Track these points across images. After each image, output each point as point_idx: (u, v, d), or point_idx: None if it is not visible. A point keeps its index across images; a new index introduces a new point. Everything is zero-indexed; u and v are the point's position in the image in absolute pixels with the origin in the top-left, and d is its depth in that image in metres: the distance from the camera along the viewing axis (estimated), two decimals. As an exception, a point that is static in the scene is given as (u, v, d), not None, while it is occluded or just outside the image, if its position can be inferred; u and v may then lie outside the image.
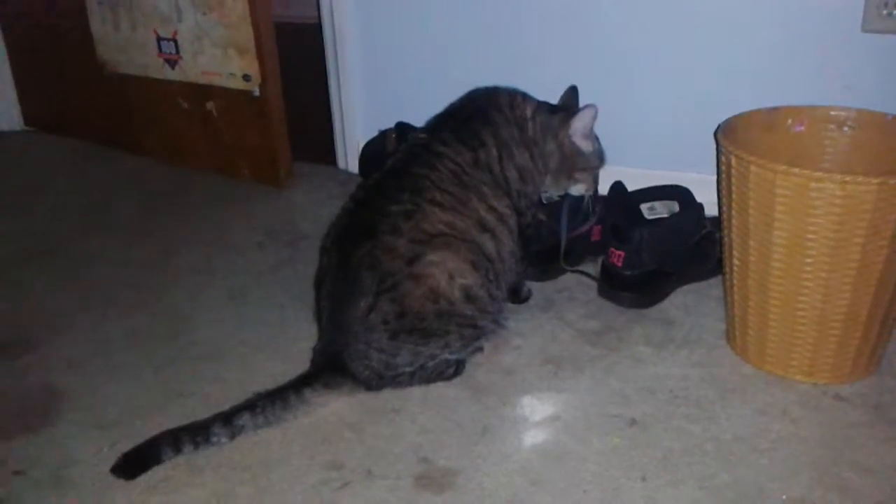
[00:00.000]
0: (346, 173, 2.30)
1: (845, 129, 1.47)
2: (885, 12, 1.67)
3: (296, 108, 2.26)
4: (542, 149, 1.53)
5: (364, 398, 1.35)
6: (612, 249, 1.59)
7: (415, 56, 2.14)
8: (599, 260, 1.67)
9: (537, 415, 1.33)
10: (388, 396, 1.36)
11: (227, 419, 1.25)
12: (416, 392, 1.37)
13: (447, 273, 1.32)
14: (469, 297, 1.35)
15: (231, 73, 2.20)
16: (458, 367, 1.40)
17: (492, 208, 1.43)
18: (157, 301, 1.70)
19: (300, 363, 1.39)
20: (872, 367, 1.38)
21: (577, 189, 1.60)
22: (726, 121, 1.42)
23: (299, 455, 1.23)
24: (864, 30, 1.70)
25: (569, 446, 1.24)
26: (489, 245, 1.40)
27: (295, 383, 1.32)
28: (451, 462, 1.21)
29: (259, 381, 1.34)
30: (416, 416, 1.31)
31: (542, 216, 1.65)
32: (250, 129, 2.25)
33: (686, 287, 1.66)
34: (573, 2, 1.92)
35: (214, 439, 1.23)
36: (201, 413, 1.28)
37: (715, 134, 1.40)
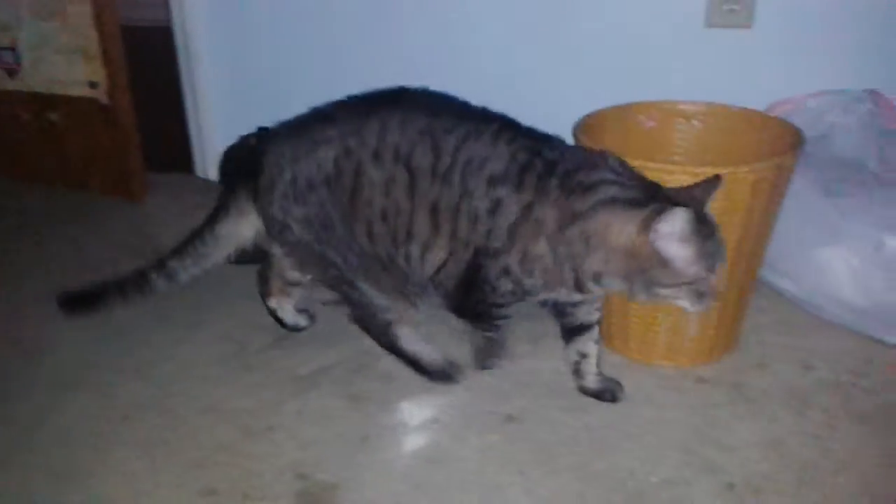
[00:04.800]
0: (205, 181, 2.22)
1: (694, 122, 1.54)
2: (726, 8, 1.77)
3: (148, 116, 2.16)
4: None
5: (238, 415, 1.30)
6: None
7: (273, 57, 2.09)
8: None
9: (417, 419, 1.33)
10: (264, 413, 1.32)
11: (161, 264, 1.40)
12: (293, 406, 1.34)
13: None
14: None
15: (76, 81, 2.08)
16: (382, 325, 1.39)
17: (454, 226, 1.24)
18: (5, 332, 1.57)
19: (164, 386, 1.33)
20: (731, 347, 1.46)
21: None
22: (582, 118, 1.46)
23: (168, 484, 1.18)
24: (708, 25, 1.79)
25: (449, 448, 1.24)
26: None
27: (207, 221, 1.41)
28: (331, 475, 1.19)
29: (120, 405, 1.27)
30: (294, 431, 1.28)
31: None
32: (99, 138, 2.13)
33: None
34: (428, 3, 1.93)
35: (155, 284, 1.40)
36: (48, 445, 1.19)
37: (573, 131, 1.44)
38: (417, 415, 1.33)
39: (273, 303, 1.54)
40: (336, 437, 1.27)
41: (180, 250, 1.41)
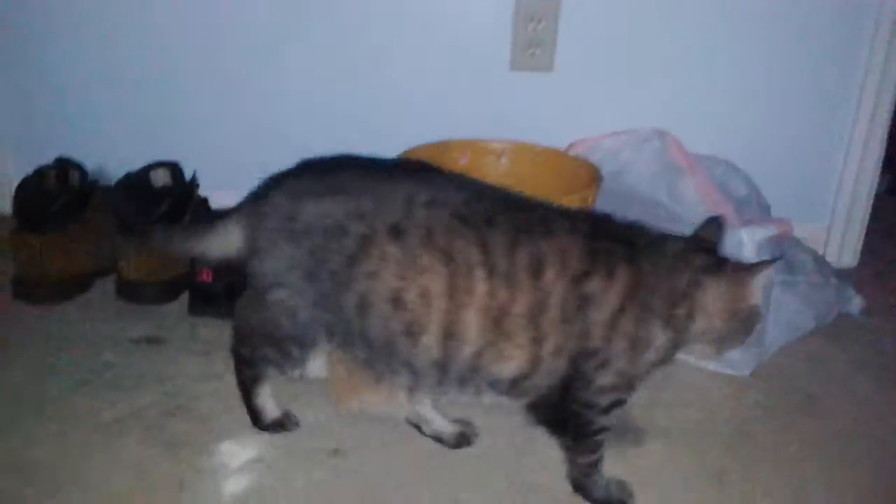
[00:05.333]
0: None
1: (502, 159, 1.63)
2: (528, 52, 1.89)
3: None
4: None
5: (35, 470, 1.20)
6: (199, 268, 1.62)
7: (70, 82, 1.97)
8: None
9: (238, 460, 1.28)
10: (68, 466, 1.22)
11: None
12: (100, 458, 1.25)
13: None
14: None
15: None
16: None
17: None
18: None
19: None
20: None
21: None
22: (399, 155, 1.50)
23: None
24: (513, 68, 1.91)
25: (274, 488, 1.21)
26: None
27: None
28: (145, 528, 1.12)
29: None
30: (99, 485, 1.19)
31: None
32: None
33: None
34: (255, 52, 1.91)
35: None
36: None
37: (391, 167, 1.47)
38: (239, 455, 1.29)
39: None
40: (148, 488, 1.20)
41: None
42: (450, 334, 1.10)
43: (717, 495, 1.25)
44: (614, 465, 1.25)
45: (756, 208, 1.73)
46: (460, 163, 1.60)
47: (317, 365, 1.29)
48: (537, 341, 1.09)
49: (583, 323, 1.07)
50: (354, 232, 1.11)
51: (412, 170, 1.22)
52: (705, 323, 1.11)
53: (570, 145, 1.85)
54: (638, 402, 1.41)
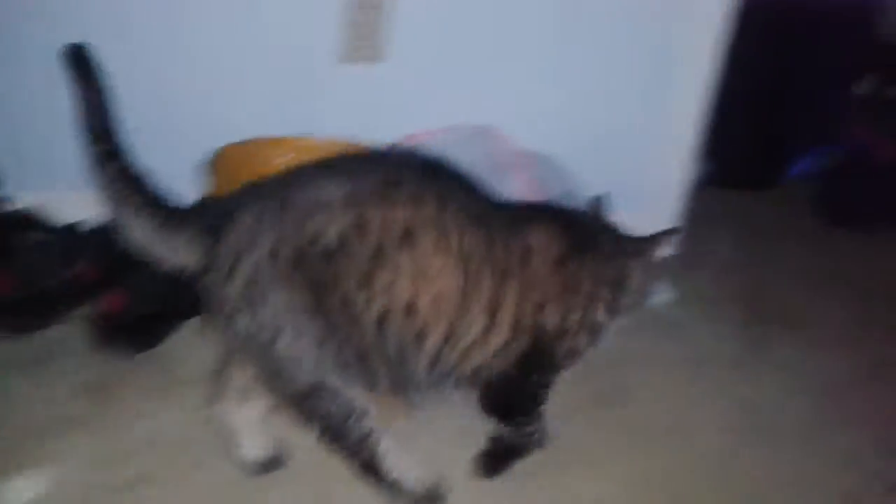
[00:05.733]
0: None
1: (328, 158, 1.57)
2: (357, 43, 1.82)
3: None
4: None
5: None
6: (108, 294, 1.48)
7: None
8: (94, 306, 1.52)
9: (22, 496, 1.17)
10: None
11: None
12: None
13: None
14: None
15: None
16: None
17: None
18: None
19: None
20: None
21: None
22: (214, 153, 1.41)
23: None
24: (342, 60, 1.84)
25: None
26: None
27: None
28: None
29: None
30: None
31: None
32: None
33: (195, 320, 1.60)
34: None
35: None
36: None
37: (207, 164, 1.38)
38: (24, 490, 1.18)
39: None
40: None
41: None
42: (453, 332, 1.12)
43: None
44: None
45: (575, 202, 1.75)
46: (281, 160, 1.53)
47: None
48: (515, 326, 1.15)
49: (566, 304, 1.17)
50: (360, 245, 1.05)
51: (400, 162, 1.16)
52: (630, 299, 1.23)
53: (404, 139, 1.81)
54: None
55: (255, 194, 1.08)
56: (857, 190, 2.52)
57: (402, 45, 1.84)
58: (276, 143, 1.53)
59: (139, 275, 1.46)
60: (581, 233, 1.21)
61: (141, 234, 1.10)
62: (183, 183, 1.48)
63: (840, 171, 2.66)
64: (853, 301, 1.99)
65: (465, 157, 1.76)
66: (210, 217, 1.09)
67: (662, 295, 1.83)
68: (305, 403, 1.11)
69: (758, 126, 2.64)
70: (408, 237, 1.06)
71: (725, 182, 2.56)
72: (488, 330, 1.14)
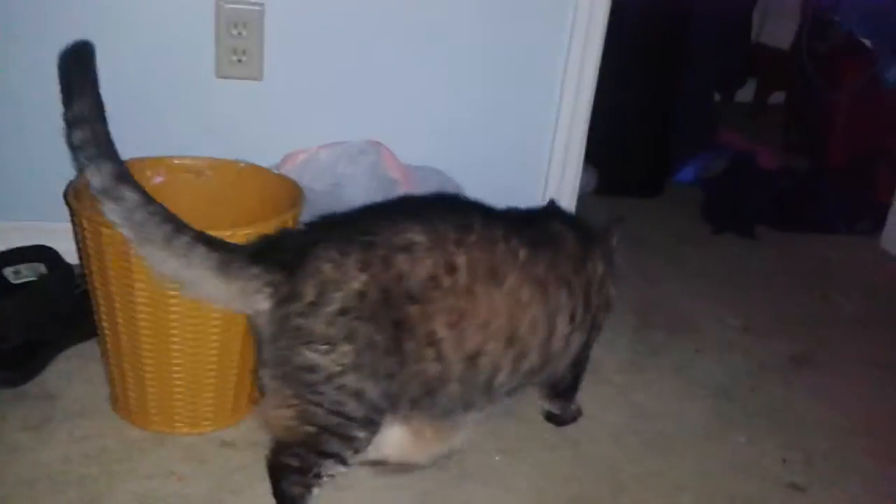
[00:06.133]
0: None
1: (204, 178, 1.50)
2: (234, 59, 1.77)
3: None
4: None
5: None
6: None
7: None
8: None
9: None
10: None
11: None
12: None
13: None
14: None
15: None
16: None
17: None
18: None
19: None
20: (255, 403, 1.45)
21: None
22: (76, 177, 1.33)
23: None
24: (219, 76, 1.78)
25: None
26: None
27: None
28: None
29: None
30: None
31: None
32: None
33: (69, 352, 1.52)
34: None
35: None
36: None
37: (64, 195, 1.30)
38: None
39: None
40: None
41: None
42: (548, 349, 1.27)
43: None
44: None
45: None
46: (154, 181, 1.45)
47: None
48: (587, 322, 1.35)
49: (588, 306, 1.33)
50: (452, 284, 1.13)
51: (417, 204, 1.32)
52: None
53: (285, 157, 1.76)
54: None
55: (328, 231, 1.15)
56: (740, 196, 2.62)
57: (281, 62, 1.79)
58: (153, 162, 1.46)
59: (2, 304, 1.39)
60: (579, 227, 1.38)
61: (191, 273, 1.12)
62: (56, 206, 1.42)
63: (723, 177, 2.76)
64: (741, 304, 2.05)
65: (351, 173, 1.75)
66: (273, 252, 1.13)
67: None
68: (331, 431, 1.13)
69: (643, 134, 2.71)
70: (493, 275, 1.17)
71: (612, 190, 2.62)
72: (571, 334, 1.30)
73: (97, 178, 1.11)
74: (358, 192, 1.73)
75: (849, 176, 2.91)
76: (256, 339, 1.18)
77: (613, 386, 1.63)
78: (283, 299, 1.09)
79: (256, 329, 1.16)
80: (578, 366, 1.42)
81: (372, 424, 1.15)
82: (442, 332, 1.13)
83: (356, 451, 1.16)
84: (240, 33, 1.74)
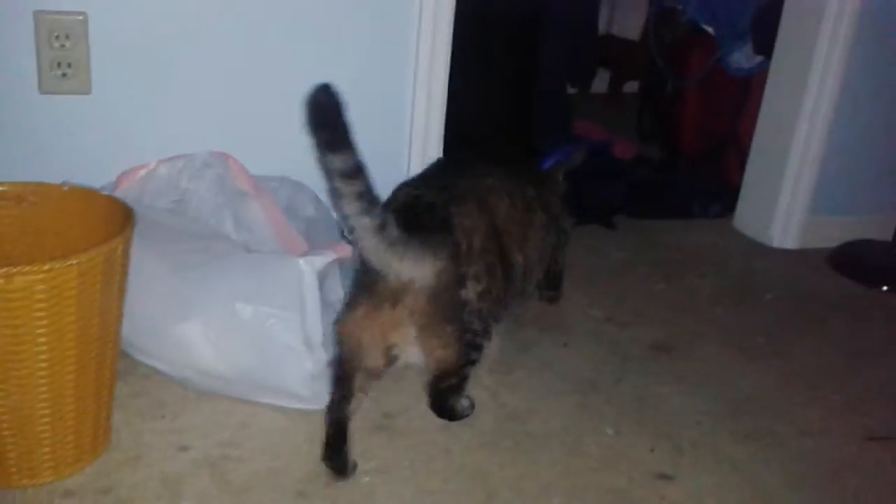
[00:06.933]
0: None
1: (25, 204, 1.37)
2: (58, 73, 1.64)
3: None
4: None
5: None
6: None
7: None
8: None
9: None
10: None
11: None
12: None
13: None
14: None
15: None
16: None
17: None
18: None
19: None
20: (101, 447, 1.34)
21: None
22: None
23: None
24: (42, 91, 1.64)
25: None
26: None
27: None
28: None
29: None
30: None
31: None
32: None
33: None
34: None
35: None
36: None
37: None
38: None
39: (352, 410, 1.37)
40: None
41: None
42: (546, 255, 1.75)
43: None
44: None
45: (324, 228, 1.69)
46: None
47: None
48: (560, 230, 1.83)
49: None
50: (511, 208, 1.52)
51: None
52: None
53: (122, 175, 1.65)
54: (203, 461, 1.28)
55: (445, 192, 1.43)
56: (597, 187, 2.66)
57: (110, 73, 1.68)
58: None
59: None
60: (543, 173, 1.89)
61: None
62: None
63: (581, 168, 2.81)
64: (604, 294, 2.08)
65: (195, 188, 1.66)
66: (426, 220, 1.35)
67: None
68: (472, 345, 1.42)
69: (503, 125, 2.71)
70: (530, 209, 1.59)
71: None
72: (557, 240, 1.78)
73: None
74: (203, 208, 1.64)
75: (701, 162, 3.02)
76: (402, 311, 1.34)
77: (484, 389, 1.60)
78: (453, 255, 1.34)
79: (412, 293, 1.32)
80: (559, 262, 1.87)
81: (490, 334, 1.47)
82: (517, 256, 1.51)
83: (481, 356, 1.47)
84: (62, 45, 1.61)
